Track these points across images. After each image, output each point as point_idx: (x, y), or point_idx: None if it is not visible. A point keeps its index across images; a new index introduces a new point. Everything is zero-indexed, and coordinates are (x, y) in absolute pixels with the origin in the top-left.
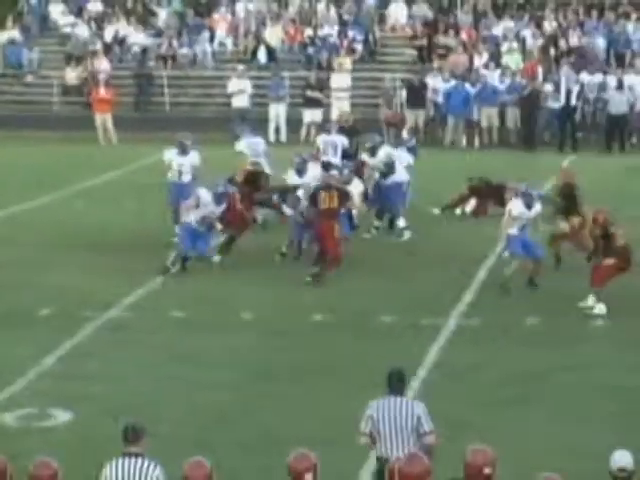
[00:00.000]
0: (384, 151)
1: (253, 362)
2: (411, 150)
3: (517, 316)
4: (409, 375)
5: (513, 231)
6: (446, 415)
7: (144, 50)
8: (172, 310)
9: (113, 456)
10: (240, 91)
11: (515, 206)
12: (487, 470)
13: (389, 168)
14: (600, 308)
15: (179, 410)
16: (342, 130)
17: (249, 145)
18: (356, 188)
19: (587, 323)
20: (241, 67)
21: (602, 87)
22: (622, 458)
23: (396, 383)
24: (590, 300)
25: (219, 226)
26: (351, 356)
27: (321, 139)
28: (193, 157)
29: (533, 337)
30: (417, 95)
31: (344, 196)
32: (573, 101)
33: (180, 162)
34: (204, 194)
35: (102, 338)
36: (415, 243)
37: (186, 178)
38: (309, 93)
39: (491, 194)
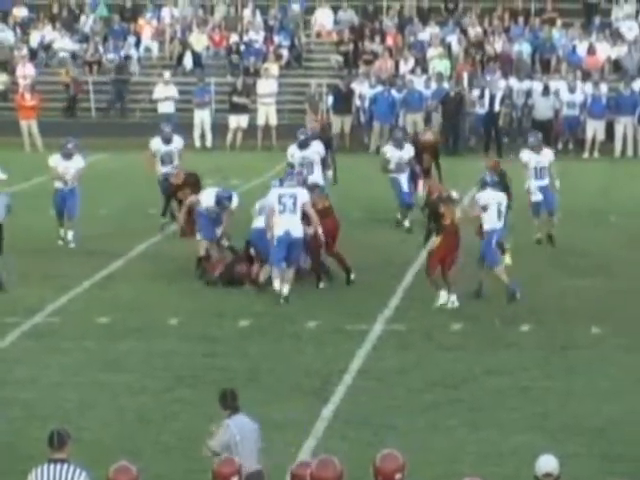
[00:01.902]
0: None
1: (178, 368)
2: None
3: (442, 321)
4: (335, 380)
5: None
6: (370, 419)
7: (127, 57)
8: (98, 316)
9: (40, 462)
10: (166, 98)
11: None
12: (398, 476)
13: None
14: (452, 301)
15: (104, 415)
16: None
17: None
18: None
19: (511, 328)
20: (167, 74)
21: (529, 93)
22: (548, 463)
23: (232, 402)
24: (441, 298)
25: None
26: (276, 362)
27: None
28: (77, 161)
29: (457, 342)
30: (343, 101)
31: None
32: (496, 107)
33: (65, 167)
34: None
35: (27, 344)
36: (340, 249)
37: (72, 184)
38: (235, 99)
39: None
